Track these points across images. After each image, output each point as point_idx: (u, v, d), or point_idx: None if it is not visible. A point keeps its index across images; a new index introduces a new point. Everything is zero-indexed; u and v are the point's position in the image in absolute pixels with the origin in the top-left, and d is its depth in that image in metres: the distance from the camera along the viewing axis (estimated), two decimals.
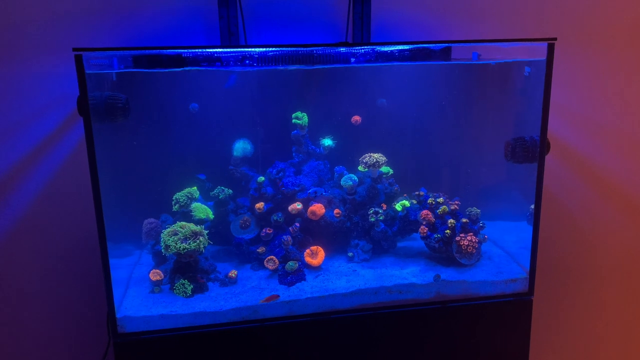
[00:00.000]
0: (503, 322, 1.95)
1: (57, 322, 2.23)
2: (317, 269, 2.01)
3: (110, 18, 2.00)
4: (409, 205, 2.12)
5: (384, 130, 2.23)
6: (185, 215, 2.03)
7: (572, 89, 2.32)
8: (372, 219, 2.07)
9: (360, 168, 2.15)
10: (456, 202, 2.11)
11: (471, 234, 2.01)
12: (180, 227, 1.89)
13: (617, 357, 2.68)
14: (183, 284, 1.85)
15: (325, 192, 2.13)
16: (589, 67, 2.32)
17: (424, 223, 2.06)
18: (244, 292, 1.88)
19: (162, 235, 1.89)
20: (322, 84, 2.17)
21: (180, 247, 1.85)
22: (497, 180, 2.29)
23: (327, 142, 2.19)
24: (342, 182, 2.14)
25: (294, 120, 2.13)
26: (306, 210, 2.07)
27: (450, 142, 2.30)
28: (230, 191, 2.10)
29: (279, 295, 1.83)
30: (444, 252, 2.05)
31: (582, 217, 2.48)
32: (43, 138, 2.05)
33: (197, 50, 1.82)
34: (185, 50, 1.81)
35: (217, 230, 2.09)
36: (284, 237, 2.00)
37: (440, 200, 2.10)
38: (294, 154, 2.21)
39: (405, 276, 1.95)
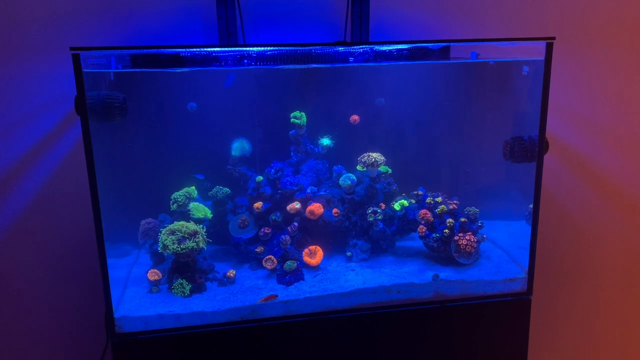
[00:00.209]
0: (502, 321, 1.95)
1: (55, 322, 2.22)
2: (315, 268, 2.01)
3: (109, 17, 2.00)
4: (407, 204, 2.12)
5: (383, 129, 2.23)
6: (184, 214, 2.03)
7: (570, 89, 2.32)
8: (371, 219, 2.07)
9: (358, 167, 2.15)
10: (455, 202, 2.10)
11: (470, 233, 2.01)
12: (179, 227, 1.88)
13: (616, 356, 2.69)
14: (181, 284, 1.85)
15: (319, 191, 2.12)
16: (587, 67, 2.32)
17: (423, 222, 2.06)
18: (242, 291, 1.88)
19: (160, 234, 1.89)
20: (321, 84, 2.17)
21: (178, 246, 1.84)
22: (496, 180, 2.29)
23: (326, 141, 2.19)
24: (340, 182, 2.14)
25: (292, 120, 2.12)
26: (305, 210, 2.07)
27: (449, 142, 2.30)
28: (228, 190, 2.10)
29: (277, 295, 1.83)
30: (442, 252, 2.05)
31: (580, 217, 2.48)
32: (41, 137, 2.05)
33: (195, 49, 1.81)
34: (184, 50, 1.80)
35: (216, 229, 2.08)
36: (283, 236, 1.99)
37: (439, 199, 2.10)
38: (292, 154, 2.20)
39: (403, 276, 1.95)
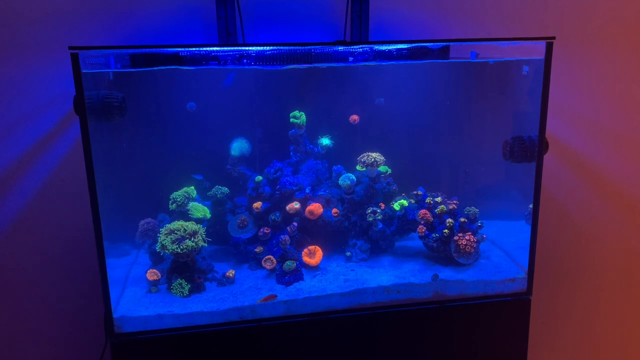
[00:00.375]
0: (501, 321, 1.95)
1: (54, 322, 2.22)
2: (315, 268, 2.00)
3: (108, 17, 2.00)
4: (407, 204, 2.12)
5: (382, 129, 2.23)
6: (183, 214, 2.03)
7: (570, 88, 2.32)
8: (370, 219, 2.07)
9: (358, 167, 2.14)
10: (454, 202, 2.10)
11: (469, 233, 2.01)
12: (178, 227, 1.88)
13: (615, 356, 2.68)
14: (180, 284, 1.85)
15: (318, 191, 2.12)
16: (587, 67, 2.31)
17: (422, 222, 2.06)
18: (241, 292, 1.87)
19: (159, 234, 1.89)
20: (320, 83, 2.17)
21: (177, 246, 1.84)
22: (496, 180, 2.29)
23: (325, 141, 2.19)
24: (340, 182, 2.13)
25: (291, 120, 2.12)
26: (304, 210, 2.07)
27: (449, 142, 2.30)
28: (227, 190, 2.10)
29: (276, 295, 1.83)
30: (442, 252, 2.05)
31: (580, 217, 2.48)
32: (40, 137, 2.04)
33: (194, 49, 1.81)
34: (183, 49, 1.80)
35: (215, 229, 2.08)
36: (282, 236, 1.99)
37: (439, 199, 2.10)
38: (291, 154, 2.20)
39: (403, 276, 1.95)
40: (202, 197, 2.13)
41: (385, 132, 2.23)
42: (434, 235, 2.04)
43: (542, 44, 1.76)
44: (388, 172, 2.20)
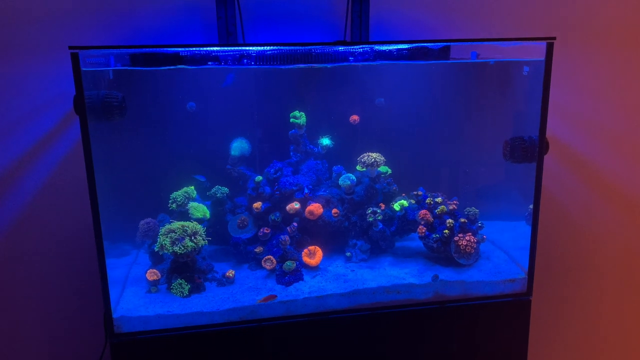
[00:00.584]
0: (501, 322, 1.94)
1: (53, 322, 2.22)
2: (315, 268, 2.00)
3: (108, 17, 1.99)
4: (407, 205, 2.11)
5: (383, 129, 2.23)
6: (183, 214, 2.03)
7: (571, 89, 2.31)
8: (371, 219, 2.06)
9: (358, 167, 2.14)
10: (454, 202, 2.10)
11: (469, 234, 2.01)
12: (178, 227, 1.88)
13: (616, 357, 2.68)
14: (180, 284, 1.85)
15: (318, 192, 2.11)
16: (588, 67, 2.31)
17: (422, 223, 2.06)
18: (241, 292, 1.87)
19: (159, 234, 1.89)
20: (320, 83, 2.17)
21: (177, 246, 1.84)
22: (496, 180, 2.29)
23: (325, 141, 2.18)
24: (340, 182, 2.13)
25: (291, 120, 2.12)
26: (304, 210, 2.06)
27: (449, 142, 2.30)
28: (227, 190, 2.09)
29: (276, 295, 1.82)
30: (442, 252, 2.05)
31: (581, 217, 2.48)
32: (40, 137, 2.04)
33: (194, 48, 1.81)
34: (183, 49, 1.80)
35: (215, 229, 2.08)
36: (282, 236, 1.99)
37: (439, 200, 2.10)
38: (291, 154, 2.20)
39: (403, 276, 1.95)
40: (202, 197, 2.12)
41: (386, 132, 2.23)
42: (434, 235, 2.04)
43: (542, 45, 1.76)
44: (388, 173, 2.20)
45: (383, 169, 2.17)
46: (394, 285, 1.88)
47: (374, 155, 2.10)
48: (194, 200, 2.07)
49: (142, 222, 2.03)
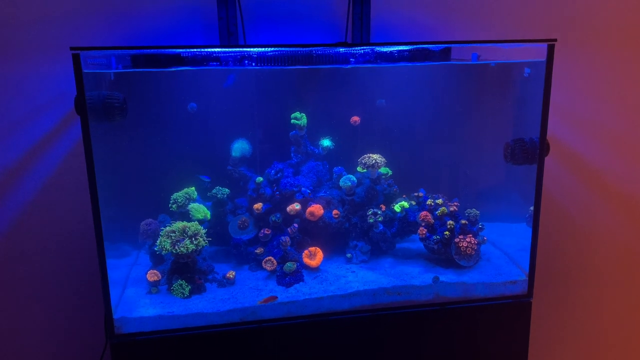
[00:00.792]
0: (502, 324, 1.94)
1: (54, 322, 2.22)
2: (315, 270, 2.00)
3: (109, 17, 2.00)
4: (407, 206, 2.11)
5: (383, 131, 2.23)
6: (184, 215, 2.03)
7: (572, 90, 2.31)
8: (371, 220, 2.06)
9: (359, 169, 2.14)
10: (455, 204, 2.10)
11: (470, 235, 2.01)
12: (178, 228, 1.88)
13: (616, 359, 2.68)
14: (181, 285, 1.85)
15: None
16: (589, 69, 2.31)
17: (423, 224, 2.06)
18: (241, 293, 1.87)
19: (160, 235, 1.89)
20: (321, 85, 2.17)
21: (177, 247, 1.84)
22: (497, 182, 2.29)
23: (326, 142, 2.18)
24: (340, 183, 2.13)
25: (292, 121, 2.12)
26: (304, 211, 2.06)
27: (450, 143, 2.30)
28: (228, 191, 2.09)
29: (277, 297, 1.82)
30: (442, 254, 2.04)
31: (581, 219, 2.48)
32: (41, 137, 2.04)
33: (195, 49, 1.81)
34: (184, 50, 1.80)
35: (215, 230, 2.08)
36: (283, 237, 1.99)
37: (439, 201, 2.10)
38: (292, 155, 2.20)
39: (404, 278, 1.95)
40: (203, 198, 2.12)
41: (386, 133, 2.23)
42: (434, 237, 2.04)
43: (543, 46, 1.76)
44: (389, 174, 2.20)
45: (384, 170, 2.17)
46: (394, 287, 1.88)
47: (375, 156, 2.10)
48: (194, 201, 2.07)
49: (142, 222, 2.03)
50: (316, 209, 2.06)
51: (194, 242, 1.86)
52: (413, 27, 2.18)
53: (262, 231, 2.04)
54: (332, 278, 1.95)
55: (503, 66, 2.13)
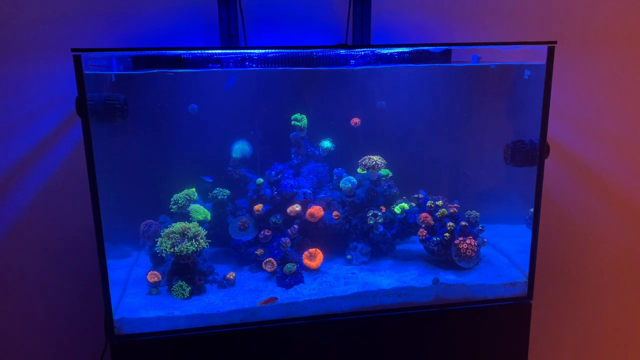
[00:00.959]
0: (502, 326, 1.94)
1: (54, 323, 2.22)
2: (315, 271, 2.00)
3: (110, 19, 2.00)
4: (408, 208, 2.11)
5: (384, 132, 2.23)
6: (184, 216, 2.03)
7: (572, 93, 2.32)
8: (371, 222, 2.07)
9: (359, 170, 2.14)
10: (455, 205, 2.10)
11: (470, 237, 2.01)
12: (179, 229, 1.88)
13: None
14: (181, 286, 1.85)
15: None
16: (589, 71, 2.31)
17: (423, 226, 2.06)
18: (241, 294, 1.87)
19: (160, 236, 1.89)
20: (322, 86, 2.17)
21: (177, 248, 1.84)
22: (497, 184, 2.29)
23: (326, 144, 2.19)
24: (341, 185, 2.13)
25: (293, 122, 2.12)
26: (305, 213, 2.07)
27: (450, 145, 2.30)
28: (228, 192, 2.10)
29: (277, 298, 1.83)
30: (442, 255, 2.05)
31: (581, 221, 2.48)
32: (42, 138, 2.04)
33: (196, 51, 1.82)
34: (185, 52, 1.80)
35: (216, 231, 2.08)
36: (283, 239, 1.99)
37: (440, 203, 2.10)
38: (292, 156, 2.20)
39: (404, 279, 1.95)
40: (203, 199, 2.13)
41: (387, 135, 2.23)
42: (434, 238, 2.04)
43: (543, 49, 1.76)
44: (389, 175, 2.20)
45: (384, 171, 2.18)
46: (394, 288, 1.88)
47: (375, 158, 2.10)
48: (195, 202, 2.07)
49: (143, 223, 2.03)
50: (316, 211, 2.06)
51: (195, 243, 1.86)
52: (413, 28, 2.18)
53: (262, 232, 2.04)
54: (332, 279, 1.96)
55: (503, 68, 2.13)
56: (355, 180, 2.13)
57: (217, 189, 2.09)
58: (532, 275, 1.93)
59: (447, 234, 2.01)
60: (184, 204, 2.02)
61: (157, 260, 2.00)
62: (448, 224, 2.03)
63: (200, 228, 1.92)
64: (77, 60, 1.51)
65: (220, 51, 1.85)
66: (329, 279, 1.96)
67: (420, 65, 1.97)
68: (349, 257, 2.08)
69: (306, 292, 1.87)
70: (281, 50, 1.81)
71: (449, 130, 2.28)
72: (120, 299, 1.84)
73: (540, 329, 2.57)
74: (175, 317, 1.75)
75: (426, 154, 2.30)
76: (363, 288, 1.88)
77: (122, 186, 1.98)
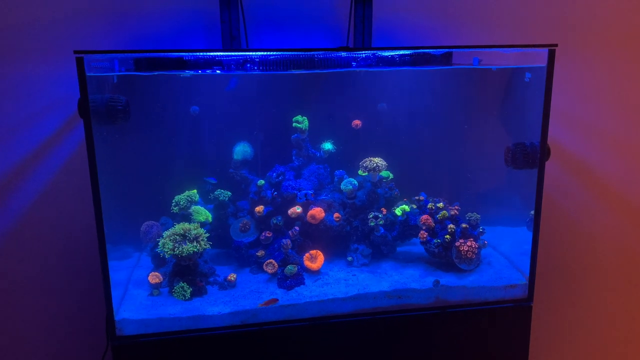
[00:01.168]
0: (502, 328, 1.94)
1: (55, 324, 2.22)
2: (316, 273, 2.01)
3: (112, 21, 2.01)
4: (408, 209, 2.12)
5: (385, 134, 2.23)
6: (185, 217, 2.03)
7: (572, 95, 2.32)
8: (372, 224, 2.07)
9: (360, 172, 2.15)
10: (456, 207, 2.10)
11: (471, 239, 2.01)
12: (180, 230, 1.89)
13: None
14: (182, 287, 1.85)
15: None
16: (589, 73, 2.32)
17: (424, 228, 2.06)
18: (242, 295, 1.88)
19: (162, 237, 1.89)
20: (323, 88, 2.17)
21: (179, 249, 1.84)
22: (497, 186, 2.29)
23: (328, 146, 2.19)
24: (342, 186, 2.14)
25: (294, 124, 2.13)
26: (306, 214, 2.07)
27: (451, 147, 2.30)
28: (230, 194, 2.10)
29: (277, 299, 1.83)
30: (443, 257, 2.05)
31: (582, 223, 2.48)
32: (44, 140, 2.05)
33: (198, 53, 1.82)
34: (187, 54, 1.81)
35: (217, 233, 2.08)
36: (284, 240, 1.99)
37: (440, 205, 2.10)
38: (294, 158, 2.21)
39: (404, 281, 1.95)
40: (205, 201, 2.13)
41: (388, 137, 2.23)
42: (435, 240, 2.04)
43: (544, 51, 1.76)
44: (390, 177, 2.20)
45: (385, 173, 2.18)
46: (395, 290, 1.89)
47: (376, 160, 2.10)
48: (196, 203, 2.07)
49: (144, 225, 2.04)
50: (317, 212, 2.06)
51: (196, 244, 1.87)
52: (414, 30, 2.19)
53: (263, 234, 2.04)
54: (333, 281, 1.96)
55: (504, 71, 2.13)
56: (356, 182, 2.13)
57: (219, 190, 2.09)
58: (533, 277, 1.93)
59: (447, 236, 2.01)
60: (185, 205, 2.02)
61: (159, 262, 2.01)
62: (449, 226, 2.03)
63: (201, 229, 1.92)
64: (80, 62, 1.52)
65: (221, 53, 1.85)
66: (329, 281, 1.96)
67: (421, 67, 1.97)
68: (349, 258, 2.08)
69: (307, 293, 1.88)
70: (282, 53, 1.82)
71: (450, 133, 2.29)
72: (122, 300, 1.84)
73: (540, 331, 2.57)
74: (176, 319, 1.75)
75: (427, 156, 2.30)
76: (364, 290, 1.89)
77: (124, 187, 1.98)
